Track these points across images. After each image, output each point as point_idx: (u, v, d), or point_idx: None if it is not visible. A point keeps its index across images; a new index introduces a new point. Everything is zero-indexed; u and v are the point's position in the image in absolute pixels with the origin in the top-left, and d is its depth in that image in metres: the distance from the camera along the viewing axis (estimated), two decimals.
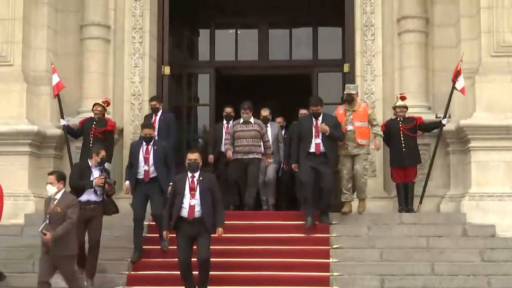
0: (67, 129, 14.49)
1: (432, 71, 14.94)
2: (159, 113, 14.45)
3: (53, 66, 14.38)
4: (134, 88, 15.38)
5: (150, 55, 15.58)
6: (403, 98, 14.17)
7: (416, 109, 14.37)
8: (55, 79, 14.26)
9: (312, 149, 12.92)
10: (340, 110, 13.50)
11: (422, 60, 14.81)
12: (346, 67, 15.55)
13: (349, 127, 13.24)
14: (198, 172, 11.02)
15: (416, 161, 14.07)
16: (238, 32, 18.79)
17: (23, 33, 14.67)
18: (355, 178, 13.34)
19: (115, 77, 15.45)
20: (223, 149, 14.56)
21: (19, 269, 12.36)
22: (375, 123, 13.50)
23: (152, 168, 12.41)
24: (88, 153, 12.89)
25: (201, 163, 11.17)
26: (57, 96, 14.34)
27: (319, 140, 12.92)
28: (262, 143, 14.27)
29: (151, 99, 14.69)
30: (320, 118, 12.98)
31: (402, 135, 13.92)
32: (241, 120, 14.35)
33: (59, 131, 14.73)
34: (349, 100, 13.36)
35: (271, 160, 14.37)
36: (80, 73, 15.39)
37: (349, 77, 15.31)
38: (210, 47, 18.46)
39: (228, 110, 15.26)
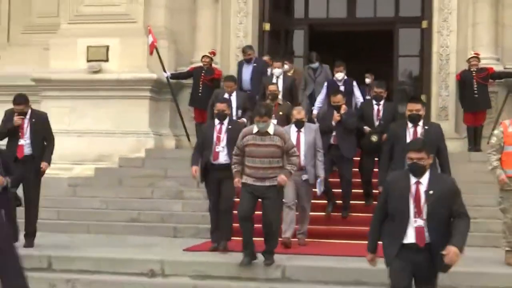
0: (175, 74, 15.53)
1: (502, 26, 15.38)
2: (28, 116, 10.83)
3: (149, 27, 15.13)
4: (239, 42, 16.16)
5: (253, 13, 16.29)
6: (476, 54, 14.67)
7: (487, 60, 14.87)
8: (150, 39, 14.94)
9: (411, 239, 6.58)
10: (509, 128, 9.72)
11: (493, 17, 15.25)
12: (424, 24, 16.02)
13: None
14: (227, 120, 10.53)
15: (487, 106, 14.67)
16: None
17: None
18: None
19: (222, 32, 16.28)
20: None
21: (141, 195, 13.51)
22: None
23: None
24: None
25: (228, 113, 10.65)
26: (157, 52, 14.99)
27: (421, 222, 6.54)
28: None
29: (16, 102, 10.71)
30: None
31: (475, 83, 14.41)
32: (254, 129, 9.44)
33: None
34: None
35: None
36: (193, 28, 16.33)
37: (427, 32, 15.84)
38: (305, 5, 18.95)
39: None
